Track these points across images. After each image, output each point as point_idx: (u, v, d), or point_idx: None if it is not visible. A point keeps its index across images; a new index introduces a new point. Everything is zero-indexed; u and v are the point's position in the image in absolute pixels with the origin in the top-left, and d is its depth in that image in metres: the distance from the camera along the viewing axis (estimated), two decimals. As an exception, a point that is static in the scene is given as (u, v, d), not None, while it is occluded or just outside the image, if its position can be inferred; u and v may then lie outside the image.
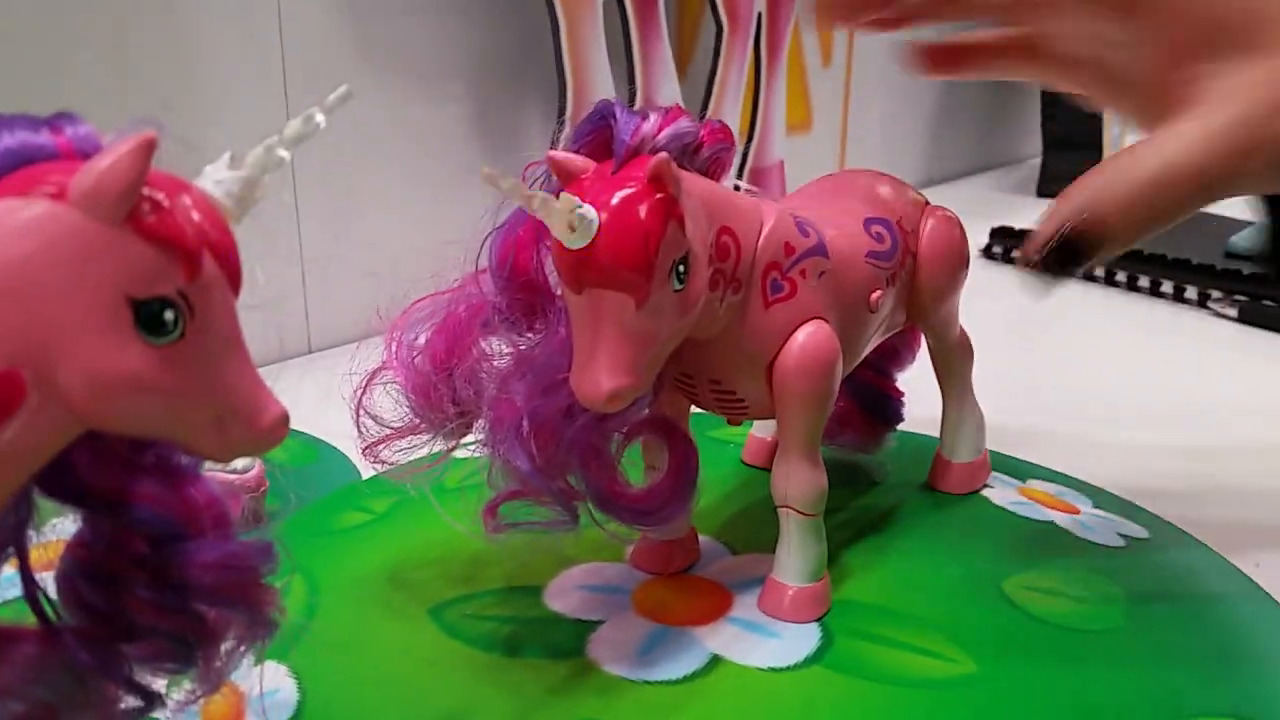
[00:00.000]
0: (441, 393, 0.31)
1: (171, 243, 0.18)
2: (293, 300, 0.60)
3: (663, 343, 0.28)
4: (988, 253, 0.84)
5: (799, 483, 0.33)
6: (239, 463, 0.39)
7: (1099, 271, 0.76)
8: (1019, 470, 0.44)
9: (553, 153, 0.29)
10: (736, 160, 0.81)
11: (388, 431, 0.32)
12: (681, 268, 0.28)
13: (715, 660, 0.31)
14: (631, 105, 0.73)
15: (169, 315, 0.18)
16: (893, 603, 0.34)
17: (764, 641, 0.32)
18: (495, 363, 0.31)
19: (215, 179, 0.20)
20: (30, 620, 0.22)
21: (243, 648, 0.24)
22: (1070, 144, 1.06)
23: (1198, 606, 0.34)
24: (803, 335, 0.32)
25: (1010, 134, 1.24)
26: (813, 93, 0.96)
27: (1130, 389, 0.58)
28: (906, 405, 0.42)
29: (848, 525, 0.38)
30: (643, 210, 0.27)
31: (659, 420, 0.32)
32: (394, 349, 0.31)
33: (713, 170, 0.31)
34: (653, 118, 0.29)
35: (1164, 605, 0.34)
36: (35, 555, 0.22)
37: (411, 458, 0.33)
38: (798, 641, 0.32)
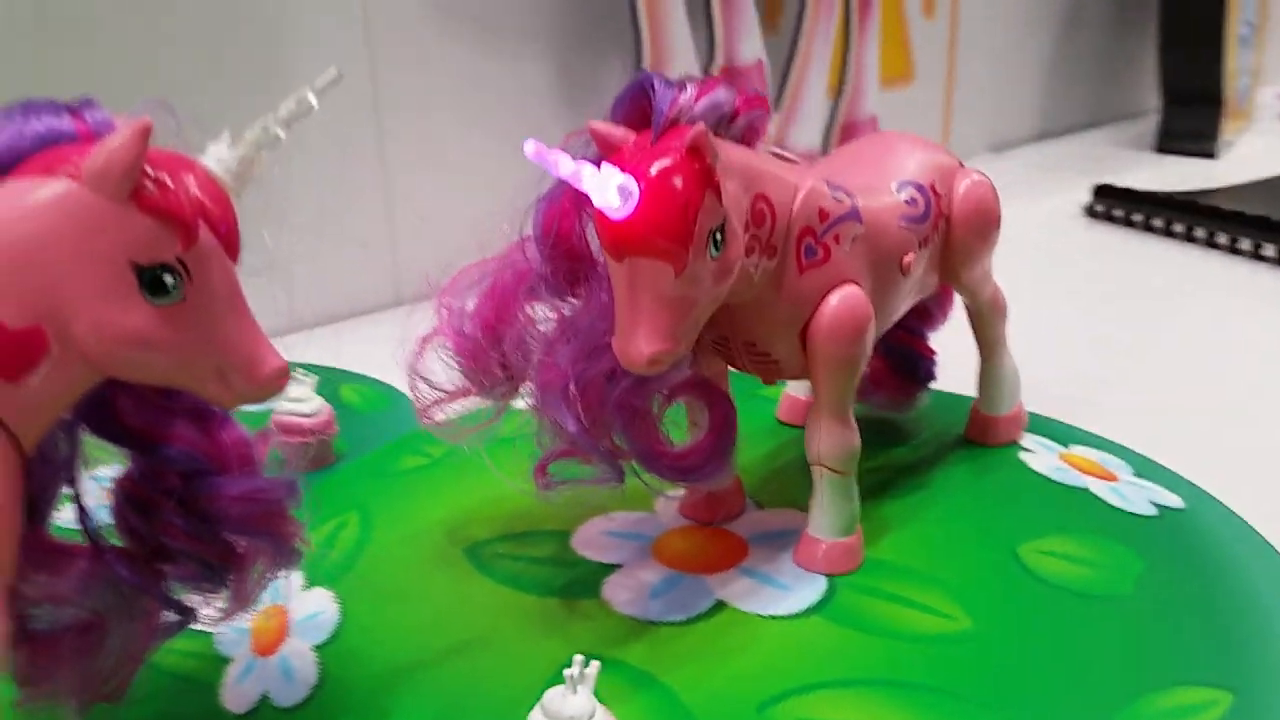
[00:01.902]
0: (490, 357, 0.32)
1: (170, 215, 0.21)
2: (380, 253, 0.63)
3: (700, 309, 0.30)
4: (1090, 211, 0.82)
5: (830, 442, 0.34)
6: (308, 407, 0.43)
7: (1200, 231, 0.73)
8: (1064, 435, 0.44)
9: (593, 123, 0.30)
10: (825, 117, 0.81)
11: (440, 395, 0.34)
12: (719, 235, 0.29)
13: (719, 606, 0.33)
14: (710, 62, 0.73)
15: (169, 279, 0.21)
16: (902, 559, 0.35)
17: (770, 591, 0.33)
18: (540, 328, 0.33)
19: (216, 157, 0.22)
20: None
21: (270, 573, 0.27)
22: (1190, 97, 1.01)
23: (1213, 579, 0.34)
24: (835, 299, 0.33)
25: (1130, 86, 1.18)
26: (915, 43, 0.94)
27: (1207, 355, 0.56)
28: (939, 364, 0.43)
29: (878, 483, 0.39)
30: (681, 181, 0.28)
31: (699, 381, 0.34)
32: (444, 315, 0.33)
33: (747, 137, 0.32)
34: (689, 88, 0.30)
35: (1179, 576, 0.34)
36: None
37: (462, 415, 0.35)
38: (802, 593, 0.33)
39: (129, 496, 0.25)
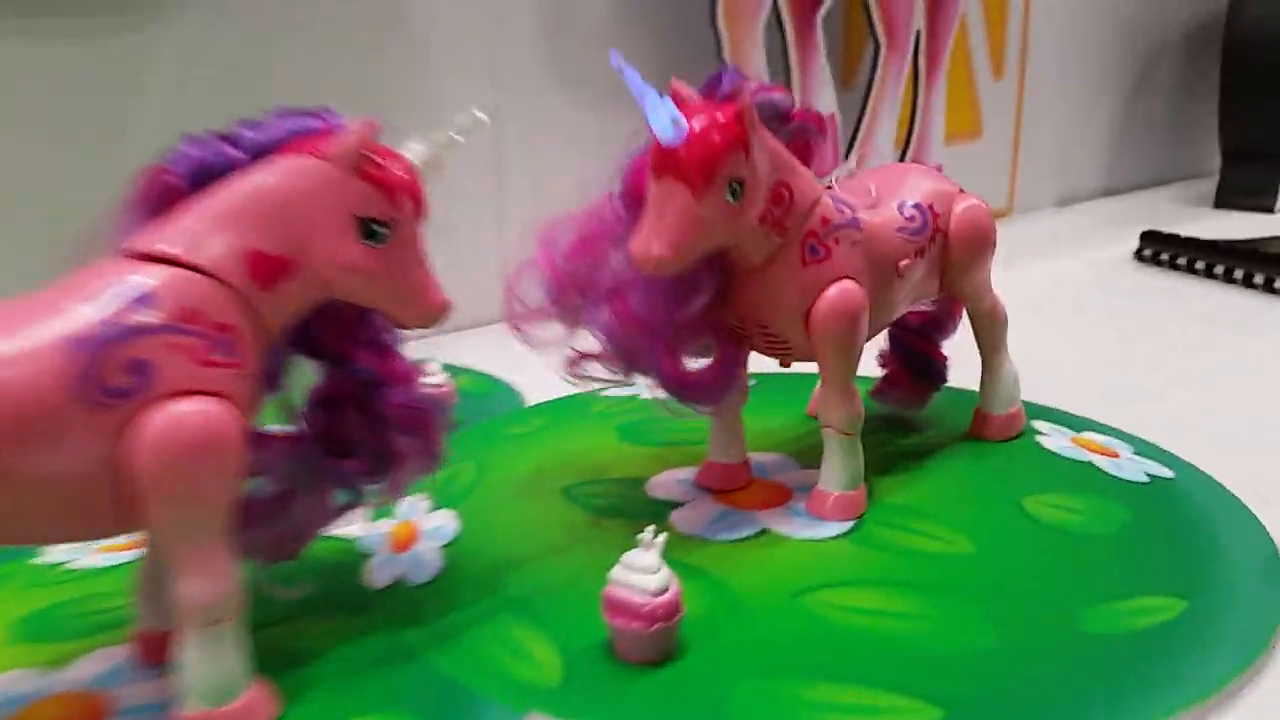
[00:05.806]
0: (574, 288, 0.39)
1: (383, 185, 0.30)
2: (490, 276, 0.73)
3: (706, 235, 0.36)
4: (1139, 255, 0.87)
5: (836, 409, 0.41)
6: (436, 380, 0.52)
7: (1239, 272, 0.78)
8: (1078, 424, 0.50)
9: (675, 82, 0.37)
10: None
11: (529, 311, 0.40)
12: (737, 186, 0.36)
13: (764, 531, 0.40)
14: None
15: (378, 229, 0.30)
16: (920, 504, 0.42)
17: (807, 523, 0.41)
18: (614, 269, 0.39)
19: (413, 150, 0.31)
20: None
21: (419, 472, 0.35)
22: (1248, 154, 1.06)
23: (1189, 525, 0.40)
24: (834, 290, 0.40)
25: (1194, 146, 1.24)
26: (984, 102, 1.02)
27: (1224, 371, 0.61)
28: (950, 367, 0.50)
29: (906, 455, 0.46)
30: (718, 132, 0.35)
31: (713, 320, 0.40)
32: (543, 251, 0.40)
33: (797, 145, 0.39)
34: (754, 82, 0.37)
35: (1159, 522, 0.41)
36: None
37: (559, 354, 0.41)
38: (833, 525, 0.41)
39: (321, 399, 0.34)
